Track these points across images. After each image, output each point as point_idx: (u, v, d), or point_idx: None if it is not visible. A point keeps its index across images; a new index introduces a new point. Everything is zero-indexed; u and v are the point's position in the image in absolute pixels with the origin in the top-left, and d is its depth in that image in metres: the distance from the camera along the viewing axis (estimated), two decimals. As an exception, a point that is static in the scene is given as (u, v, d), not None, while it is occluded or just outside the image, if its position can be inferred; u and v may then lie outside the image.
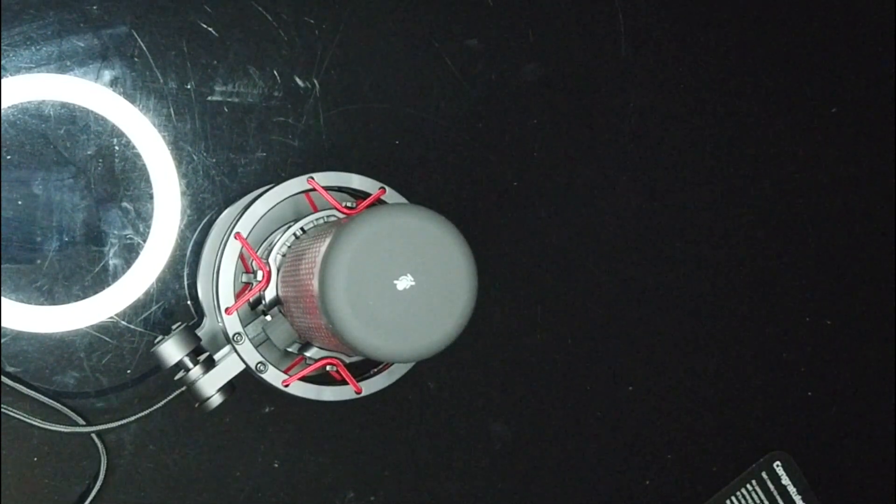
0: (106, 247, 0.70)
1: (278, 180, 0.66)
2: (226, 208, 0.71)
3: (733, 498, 0.80)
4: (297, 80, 0.73)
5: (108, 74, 0.70)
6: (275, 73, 0.73)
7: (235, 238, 0.65)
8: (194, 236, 0.71)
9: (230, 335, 0.64)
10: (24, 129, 0.69)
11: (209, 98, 0.71)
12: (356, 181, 0.66)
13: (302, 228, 0.67)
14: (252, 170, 0.72)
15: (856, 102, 0.82)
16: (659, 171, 0.79)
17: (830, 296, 0.82)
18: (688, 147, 0.80)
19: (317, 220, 0.67)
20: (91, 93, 0.69)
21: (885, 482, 0.83)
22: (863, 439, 0.82)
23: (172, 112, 0.71)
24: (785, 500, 0.80)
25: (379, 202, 0.65)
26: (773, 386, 0.81)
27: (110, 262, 0.70)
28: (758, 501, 0.80)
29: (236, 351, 0.65)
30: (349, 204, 0.66)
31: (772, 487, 0.80)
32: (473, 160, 0.76)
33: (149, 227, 0.70)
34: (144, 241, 0.70)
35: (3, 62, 0.68)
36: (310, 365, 0.66)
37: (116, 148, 0.70)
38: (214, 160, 0.72)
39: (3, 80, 0.68)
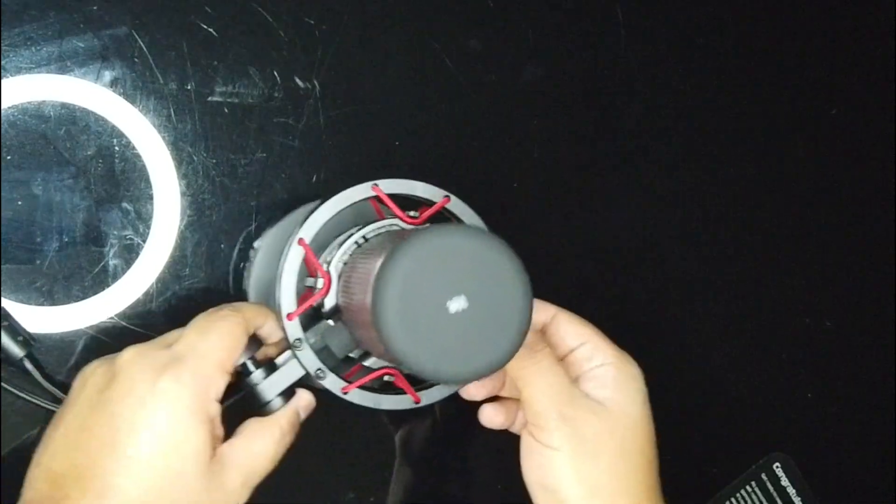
0: (106, 247, 0.70)
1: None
2: (284, 215, 0.71)
3: (733, 499, 0.80)
4: (297, 80, 0.73)
5: (108, 75, 0.70)
6: (275, 73, 0.72)
7: (299, 244, 0.64)
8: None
9: (291, 340, 0.64)
10: (24, 129, 0.69)
11: (209, 98, 0.71)
12: (420, 189, 0.65)
13: (364, 237, 0.65)
14: (252, 170, 0.72)
15: (856, 103, 0.82)
16: (659, 171, 0.79)
17: (830, 296, 0.82)
18: (688, 147, 0.80)
19: (378, 228, 0.66)
20: (91, 93, 0.69)
21: (885, 483, 0.83)
22: (863, 440, 0.82)
23: (172, 112, 0.71)
24: (784, 501, 0.80)
25: (444, 210, 0.64)
26: (773, 386, 0.81)
27: (110, 263, 0.70)
28: (757, 503, 0.80)
29: (296, 356, 0.64)
30: (412, 213, 0.66)
31: (771, 489, 0.80)
32: (473, 160, 0.76)
33: (149, 227, 0.70)
34: (144, 241, 0.70)
35: (3, 62, 0.68)
36: (369, 374, 0.65)
37: (116, 148, 0.70)
38: (214, 160, 0.72)
39: (3, 80, 0.68)
